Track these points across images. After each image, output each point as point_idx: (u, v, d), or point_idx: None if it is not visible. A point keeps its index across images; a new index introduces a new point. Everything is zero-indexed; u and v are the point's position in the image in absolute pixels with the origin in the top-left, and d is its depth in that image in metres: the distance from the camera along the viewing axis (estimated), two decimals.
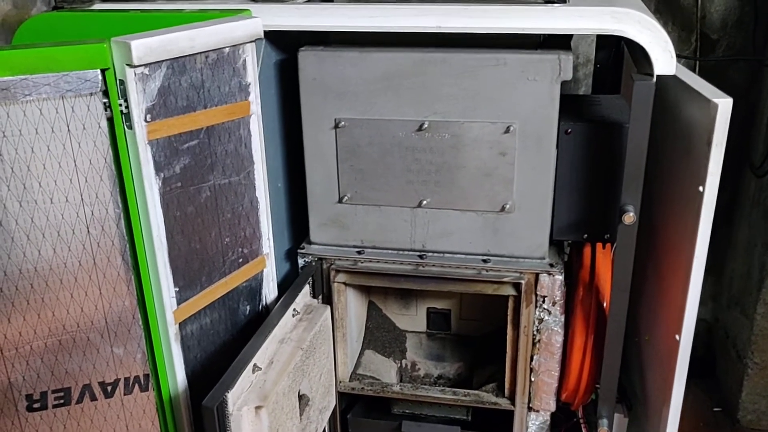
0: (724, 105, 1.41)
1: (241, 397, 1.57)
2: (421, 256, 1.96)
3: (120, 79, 1.44)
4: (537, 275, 1.88)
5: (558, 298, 1.89)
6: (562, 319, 1.92)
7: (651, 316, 1.90)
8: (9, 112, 1.39)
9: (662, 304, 1.80)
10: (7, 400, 1.58)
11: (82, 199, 1.51)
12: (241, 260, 1.83)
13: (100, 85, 1.44)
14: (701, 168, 1.49)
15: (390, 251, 1.99)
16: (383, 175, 1.90)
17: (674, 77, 1.62)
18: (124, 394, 1.67)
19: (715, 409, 3.08)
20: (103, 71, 1.44)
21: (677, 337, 1.64)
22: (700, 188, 1.50)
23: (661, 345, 1.79)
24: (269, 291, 1.95)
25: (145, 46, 1.43)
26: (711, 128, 1.43)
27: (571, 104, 1.91)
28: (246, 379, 1.59)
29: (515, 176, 1.82)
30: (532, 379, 1.98)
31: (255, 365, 1.63)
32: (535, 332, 1.93)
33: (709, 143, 1.45)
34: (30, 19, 1.85)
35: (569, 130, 1.81)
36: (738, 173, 2.92)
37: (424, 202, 1.90)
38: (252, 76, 1.73)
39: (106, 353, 1.63)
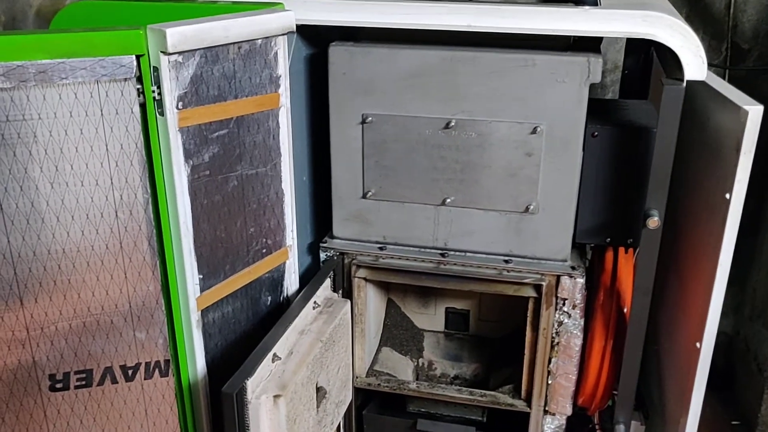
0: (755, 112, 1.40)
1: (260, 385, 1.58)
2: (442, 254, 1.96)
3: (154, 66, 1.47)
4: (558, 277, 1.88)
5: (578, 302, 1.89)
6: (582, 323, 1.91)
7: (672, 322, 1.89)
8: (45, 94, 1.42)
9: (684, 311, 1.78)
10: (31, 379, 1.60)
11: (111, 183, 1.53)
12: (264, 251, 1.85)
13: (134, 71, 1.47)
14: (729, 175, 1.47)
15: (412, 248, 2.00)
16: (408, 172, 1.91)
17: (704, 83, 1.61)
18: (145, 379, 1.69)
19: (734, 423, 3.04)
20: (138, 57, 1.46)
21: (698, 344, 1.63)
22: (727, 195, 1.49)
23: (680, 353, 1.77)
24: (291, 283, 1.97)
25: (180, 34, 1.45)
26: (740, 135, 1.42)
27: (598, 107, 1.90)
28: (266, 368, 1.60)
29: (540, 177, 1.82)
30: (550, 381, 1.98)
31: (275, 355, 1.64)
32: (554, 335, 1.93)
33: (738, 150, 1.44)
34: (67, 6, 1.88)
35: (596, 133, 1.80)
36: (765, 185, 2.89)
37: (448, 200, 1.90)
38: (283, 68, 1.75)
39: (128, 337, 1.65)
